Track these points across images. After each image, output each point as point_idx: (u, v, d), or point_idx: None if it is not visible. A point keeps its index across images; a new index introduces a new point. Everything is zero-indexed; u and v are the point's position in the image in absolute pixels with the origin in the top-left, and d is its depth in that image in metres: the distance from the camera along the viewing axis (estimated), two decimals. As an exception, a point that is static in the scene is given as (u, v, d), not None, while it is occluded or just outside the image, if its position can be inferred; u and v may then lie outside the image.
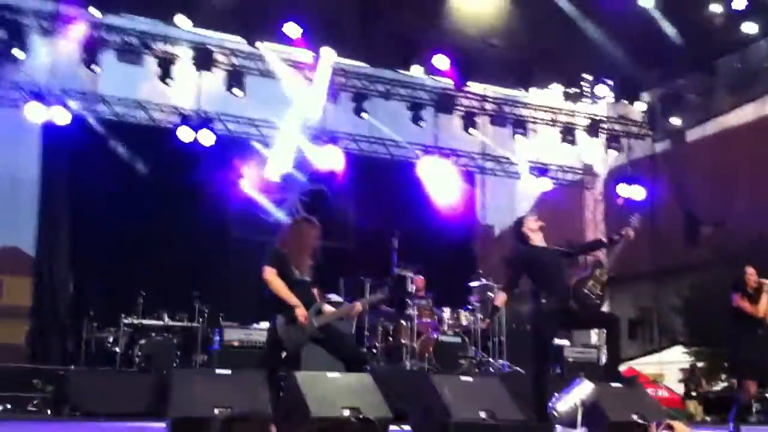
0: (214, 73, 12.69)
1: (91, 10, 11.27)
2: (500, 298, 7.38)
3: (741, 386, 8.50)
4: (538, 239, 7.25)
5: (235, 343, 9.80)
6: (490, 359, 10.50)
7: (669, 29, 12.07)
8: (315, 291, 6.86)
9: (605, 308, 14.23)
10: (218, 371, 6.60)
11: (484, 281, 11.10)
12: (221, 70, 12.72)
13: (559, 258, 7.31)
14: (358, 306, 7.14)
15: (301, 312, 6.45)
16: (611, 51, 13.03)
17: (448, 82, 13.88)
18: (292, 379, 6.42)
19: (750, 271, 8.29)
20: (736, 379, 9.06)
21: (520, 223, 7.38)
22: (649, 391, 9.43)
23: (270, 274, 6.50)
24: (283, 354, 6.60)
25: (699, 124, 14.57)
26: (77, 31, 11.66)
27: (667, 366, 13.67)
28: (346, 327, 9.64)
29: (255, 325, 10.05)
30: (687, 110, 14.44)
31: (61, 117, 11.59)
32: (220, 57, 12.65)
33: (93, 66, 11.87)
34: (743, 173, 13.47)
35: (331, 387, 6.32)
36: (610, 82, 14.70)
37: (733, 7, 11.67)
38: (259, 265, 6.59)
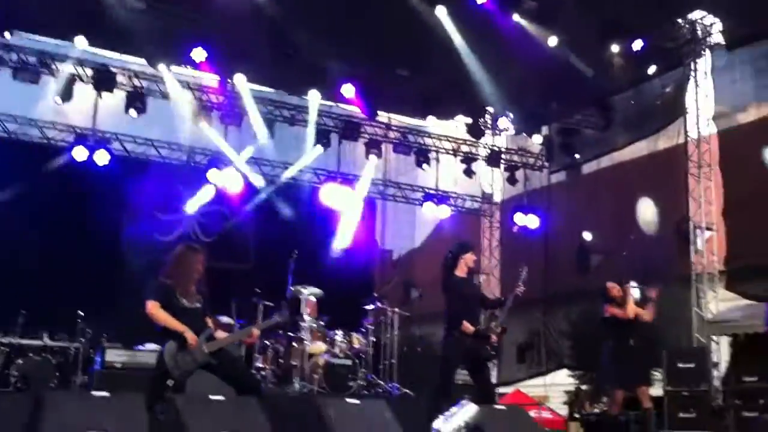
0: (114, 93, 12.51)
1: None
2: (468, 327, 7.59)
3: (610, 397, 8.89)
4: (462, 272, 7.70)
5: (118, 365, 9.57)
6: (381, 382, 10.58)
7: (570, 66, 12.47)
8: (209, 319, 6.80)
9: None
10: (95, 393, 6.45)
11: (378, 304, 11.20)
12: (121, 90, 12.55)
13: (479, 292, 7.74)
14: (255, 332, 7.13)
15: (190, 335, 6.40)
16: (514, 85, 13.45)
17: (353, 109, 14.05)
18: (172, 403, 6.32)
19: (610, 284, 8.78)
20: (605, 390, 9.45)
21: (459, 250, 7.84)
22: (533, 413, 9.67)
23: (152, 307, 6.47)
24: (170, 382, 6.51)
25: (595, 158, 15.04)
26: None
27: (553, 388, 14.02)
28: (236, 349, 9.59)
29: (140, 347, 9.85)
30: (583, 144, 14.95)
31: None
32: (120, 78, 12.48)
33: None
34: (635, 206, 13.96)
35: (214, 411, 6.24)
36: (512, 116, 15.20)
37: (632, 48, 12.13)
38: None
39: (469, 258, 7.84)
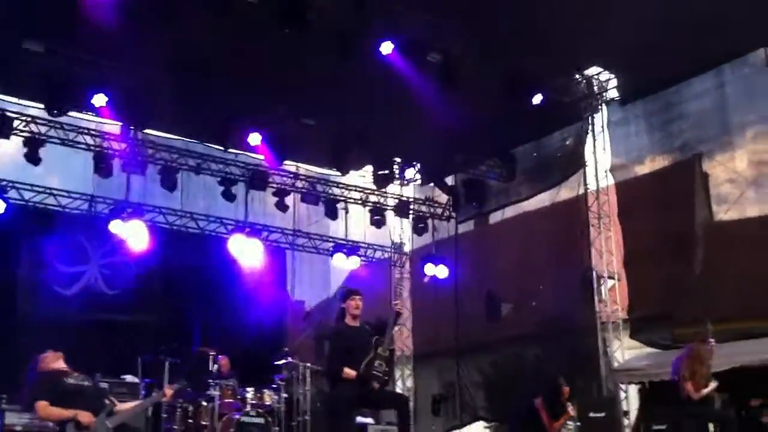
0: (11, 140, 11.94)
1: None
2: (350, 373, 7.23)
3: None
4: (351, 319, 7.40)
5: (18, 428, 9.01)
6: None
7: (473, 118, 12.64)
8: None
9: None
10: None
11: (290, 359, 10.94)
12: (18, 137, 12.00)
13: (368, 338, 7.45)
14: (169, 391, 6.87)
15: (83, 416, 6.10)
16: (419, 136, 13.56)
17: (260, 158, 13.88)
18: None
19: (566, 390, 8.88)
20: None
21: (344, 297, 7.60)
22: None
23: (42, 408, 6.18)
24: None
25: (500, 208, 15.31)
26: None
27: (469, 442, 13.97)
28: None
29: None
30: (489, 195, 15.22)
31: None
32: (16, 123, 11.93)
33: None
34: (540, 255, 14.21)
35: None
36: (418, 166, 15.37)
37: (532, 102, 12.36)
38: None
39: (350, 304, 7.47)
